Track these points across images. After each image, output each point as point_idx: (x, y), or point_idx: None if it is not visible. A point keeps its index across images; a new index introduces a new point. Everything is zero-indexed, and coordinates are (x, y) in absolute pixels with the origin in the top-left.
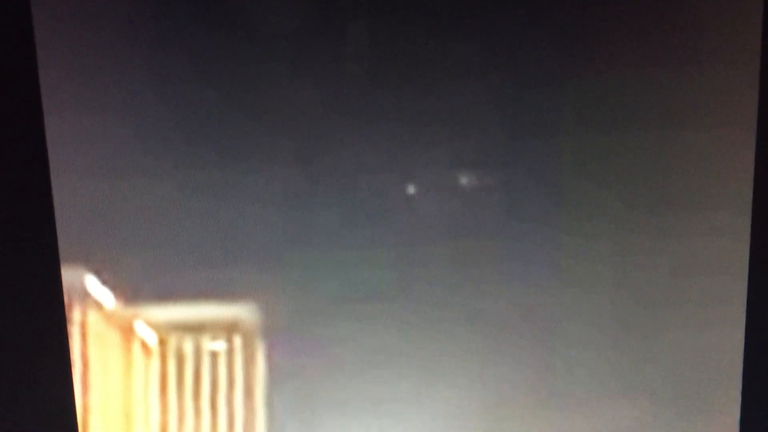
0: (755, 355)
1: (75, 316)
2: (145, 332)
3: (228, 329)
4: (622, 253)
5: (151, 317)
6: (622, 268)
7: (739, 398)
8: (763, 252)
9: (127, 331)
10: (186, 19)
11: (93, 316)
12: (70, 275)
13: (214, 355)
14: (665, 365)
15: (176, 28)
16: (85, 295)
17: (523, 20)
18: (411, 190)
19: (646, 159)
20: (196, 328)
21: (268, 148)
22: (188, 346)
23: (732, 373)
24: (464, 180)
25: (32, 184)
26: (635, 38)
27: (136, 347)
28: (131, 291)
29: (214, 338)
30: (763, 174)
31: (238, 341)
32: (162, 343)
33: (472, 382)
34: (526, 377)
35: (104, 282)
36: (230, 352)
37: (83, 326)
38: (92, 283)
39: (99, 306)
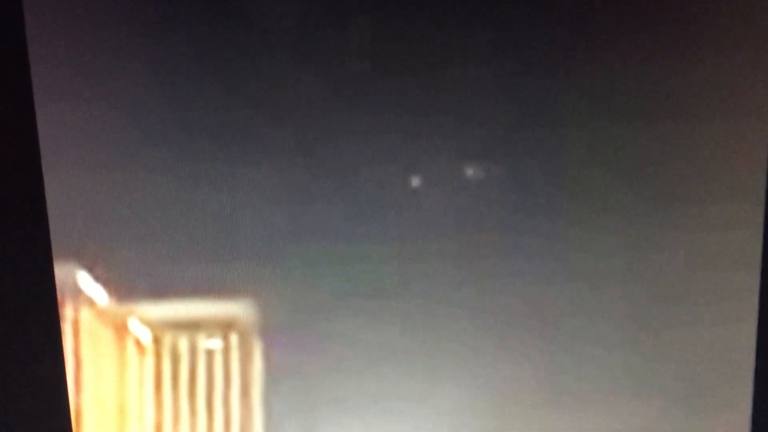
0: (767, 351)
1: (68, 313)
2: (139, 330)
3: (224, 326)
4: (632, 247)
5: (146, 314)
6: (632, 263)
7: (751, 395)
8: None
9: (121, 329)
10: (184, 6)
11: (86, 314)
12: (62, 271)
13: (210, 353)
14: (676, 362)
15: (173, 16)
16: (77, 292)
17: (531, 9)
18: (415, 182)
19: (657, 151)
20: (191, 326)
21: (268, 139)
22: (184, 344)
23: (744, 370)
24: (470, 172)
25: (24, 178)
26: (647, 27)
27: (130, 345)
28: (125, 287)
29: (210, 336)
30: None
31: (234, 339)
32: (157, 340)
33: (477, 379)
34: (533, 374)
35: (97, 278)
36: (227, 350)
37: (76, 324)
38: (85, 279)
39: (92, 303)
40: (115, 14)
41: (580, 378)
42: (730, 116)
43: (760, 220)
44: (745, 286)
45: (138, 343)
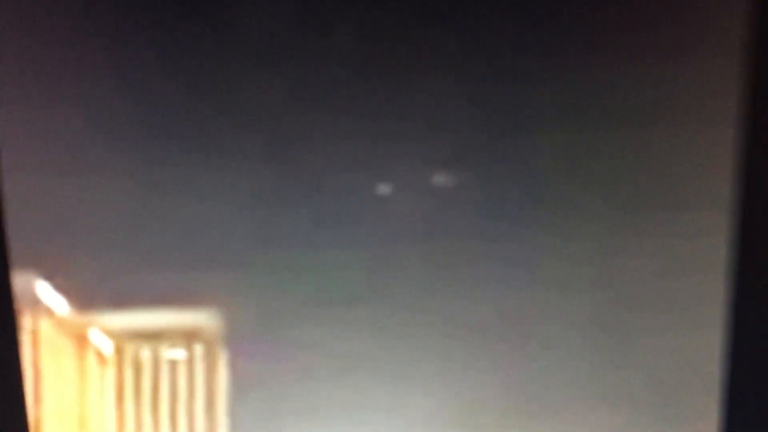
0: (735, 359)
1: (26, 323)
2: (100, 340)
3: (188, 336)
4: (602, 254)
5: (107, 324)
6: (601, 270)
7: (720, 403)
8: (744, 253)
9: (82, 339)
10: (148, 8)
11: (45, 324)
12: (21, 280)
13: (173, 364)
14: (645, 369)
15: (138, 14)
16: (36, 301)
17: (503, 14)
18: (384, 188)
19: (626, 158)
20: (154, 336)
21: (234, 144)
22: (146, 355)
23: (712, 377)
24: (439, 178)
25: None
26: (615, 34)
27: (91, 356)
28: (86, 296)
29: (174, 346)
30: (743, 173)
31: (199, 349)
32: (118, 351)
33: (447, 387)
34: (503, 382)
35: (57, 287)
36: (190, 361)
37: (35, 334)
38: (44, 288)
39: (52, 312)
40: (78, 14)
41: (549, 385)
42: (698, 124)
43: (728, 226)
44: (713, 293)
45: (99, 353)
